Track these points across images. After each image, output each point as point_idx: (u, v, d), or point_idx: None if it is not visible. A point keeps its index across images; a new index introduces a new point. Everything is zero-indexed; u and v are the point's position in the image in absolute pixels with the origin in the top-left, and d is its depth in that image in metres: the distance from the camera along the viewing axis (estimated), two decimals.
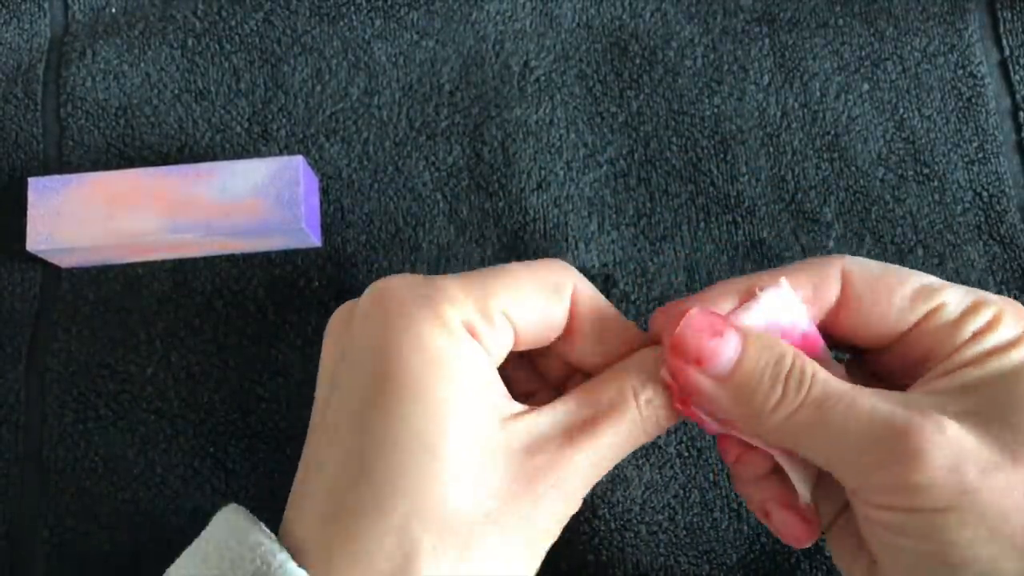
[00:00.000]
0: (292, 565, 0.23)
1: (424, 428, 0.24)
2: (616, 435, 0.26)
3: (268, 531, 0.25)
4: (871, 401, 0.24)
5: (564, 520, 0.26)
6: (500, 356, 0.27)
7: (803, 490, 0.26)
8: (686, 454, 0.37)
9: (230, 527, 0.25)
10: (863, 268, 0.27)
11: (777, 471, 0.27)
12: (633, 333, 0.28)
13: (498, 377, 0.26)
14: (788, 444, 0.25)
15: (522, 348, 0.28)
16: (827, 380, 0.24)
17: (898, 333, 0.26)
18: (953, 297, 0.26)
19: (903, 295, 0.26)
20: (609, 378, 0.27)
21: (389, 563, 0.23)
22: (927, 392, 0.25)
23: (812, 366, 0.25)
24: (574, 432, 0.26)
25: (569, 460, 0.25)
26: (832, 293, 0.27)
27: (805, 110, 0.41)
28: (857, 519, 0.25)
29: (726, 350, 0.25)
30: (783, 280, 0.26)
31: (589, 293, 0.28)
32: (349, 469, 0.24)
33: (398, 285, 0.26)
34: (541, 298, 0.27)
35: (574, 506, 0.26)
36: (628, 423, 0.26)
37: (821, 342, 0.27)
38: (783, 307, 0.26)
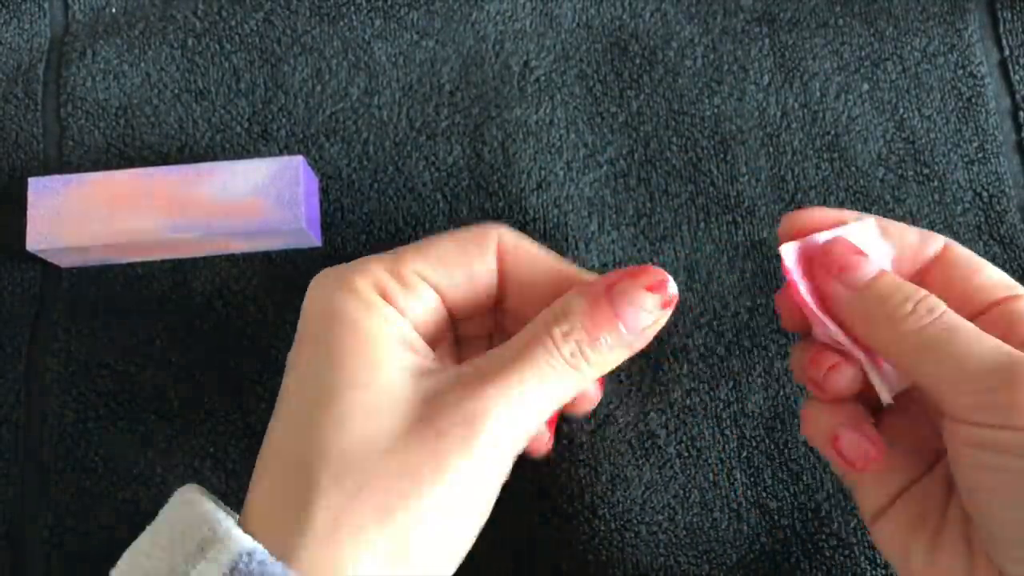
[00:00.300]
0: (238, 532, 0.24)
1: (324, 376, 0.26)
2: (531, 372, 0.26)
3: (219, 502, 0.26)
4: (990, 339, 0.25)
5: (489, 463, 0.26)
6: (421, 315, 0.28)
7: (885, 395, 0.28)
8: (686, 454, 0.37)
9: (183, 500, 0.26)
10: (963, 248, 0.30)
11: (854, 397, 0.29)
12: (567, 277, 0.29)
13: (418, 337, 0.28)
14: (908, 357, 0.27)
15: (458, 309, 0.29)
16: (956, 315, 0.26)
17: (979, 307, 0.28)
18: None
19: (989, 275, 0.29)
20: (529, 322, 0.27)
21: (295, 498, 0.25)
22: None
23: (942, 303, 0.27)
24: (486, 376, 0.26)
25: (477, 398, 0.25)
26: (933, 248, 0.30)
27: (805, 110, 0.41)
28: (954, 447, 0.26)
29: (866, 266, 0.28)
30: (872, 219, 0.30)
31: (521, 246, 0.29)
32: (271, 428, 0.27)
33: (327, 270, 0.28)
34: (459, 255, 0.28)
35: (495, 449, 0.26)
36: (543, 359, 0.26)
37: None
38: (868, 243, 0.29)
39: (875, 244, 0.29)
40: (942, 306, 0.26)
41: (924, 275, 0.30)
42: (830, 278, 0.28)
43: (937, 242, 0.30)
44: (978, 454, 0.25)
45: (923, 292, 0.27)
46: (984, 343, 0.25)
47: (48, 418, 0.38)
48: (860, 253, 0.28)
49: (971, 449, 0.25)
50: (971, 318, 0.27)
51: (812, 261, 0.29)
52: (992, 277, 0.29)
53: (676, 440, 0.37)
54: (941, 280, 0.29)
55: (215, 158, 0.41)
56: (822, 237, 0.29)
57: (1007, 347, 0.25)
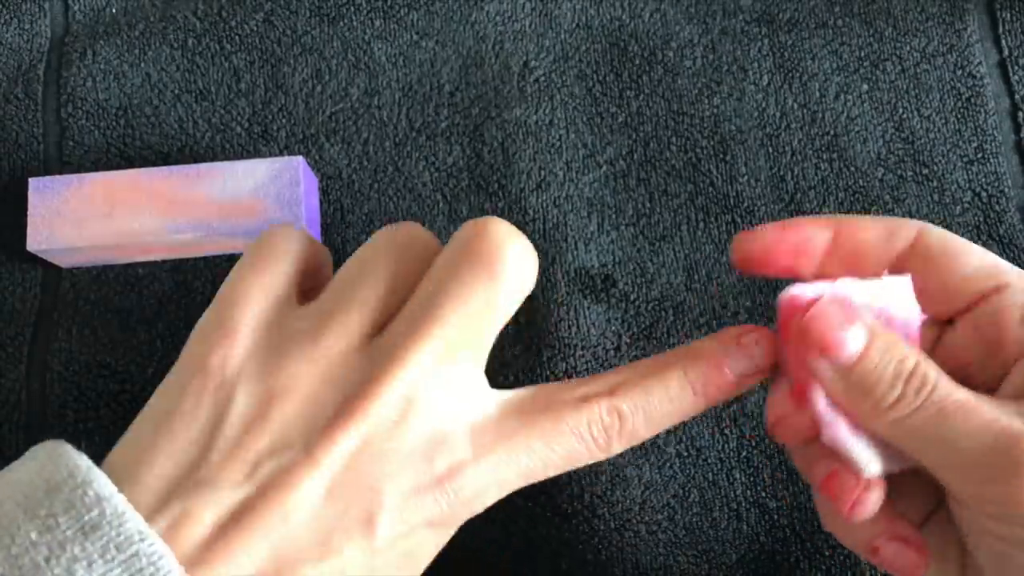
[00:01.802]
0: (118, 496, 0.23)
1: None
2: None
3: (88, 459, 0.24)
4: (990, 410, 0.23)
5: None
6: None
7: (873, 468, 0.26)
8: (685, 454, 0.37)
9: (47, 452, 0.24)
10: (940, 231, 0.27)
11: (884, 507, 0.26)
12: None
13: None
14: (902, 444, 0.25)
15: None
16: (948, 386, 0.24)
17: (964, 302, 0.26)
18: (1017, 279, 0.26)
19: (968, 264, 0.26)
20: None
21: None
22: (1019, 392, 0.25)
23: (935, 371, 0.24)
24: None
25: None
26: (904, 241, 0.27)
27: (804, 110, 0.41)
28: (962, 526, 0.25)
29: (851, 342, 0.25)
30: (909, 276, 0.26)
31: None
32: None
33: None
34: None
35: None
36: None
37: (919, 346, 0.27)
38: (900, 300, 0.26)
39: (901, 305, 0.26)
40: (932, 378, 0.24)
41: (899, 271, 0.27)
42: (810, 354, 0.25)
43: (908, 231, 0.27)
44: (986, 539, 0.24)
45: (911, 364, 0.24)
46: (978, 422, 0.23)
47: (49, 418, 0.38)
48: (843, 327, 0.25)
49: (978, 533, 0.24)
50: (955, 316, 0.26)
51: (797, 336, 0.25)
52: (971, 265, 0.26)
53: (676, 440, 0.37)
54: (919, 275, 0.26)
55: (215, 158, 0.41)
56: (810, 291, 0.26)
57: (1001, 423, 0.23)
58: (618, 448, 0.26)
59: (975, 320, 0.26)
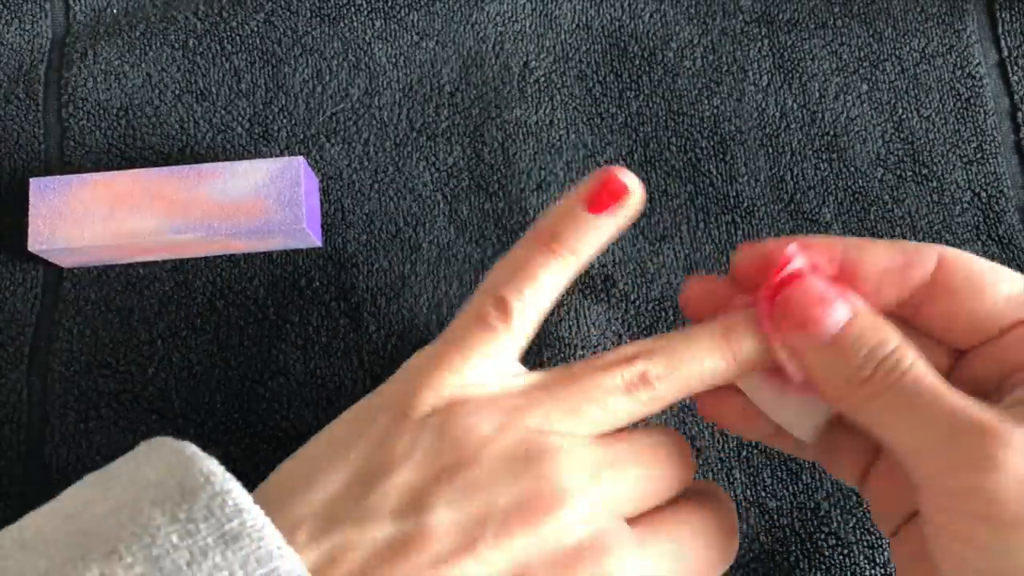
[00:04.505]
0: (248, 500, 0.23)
1: None
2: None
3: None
4: (957, 400, 0.23)
5: None
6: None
7: (803, 432, 0.26)
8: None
9: (172, 451, 0.24)
10: (963, 258, 0.25)
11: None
12: None
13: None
14: (867, 422, 0.25)
15: None
16: (922, 372, 0.24)
17: (987, 335, 0.25)
18: None
19: (998, 293, 0.25)
20: None
21: None
22: (1016, 401, 0.23)
23: (912, 355, 0.24)
24: None
25: None
26: (921, 272, 0.25)
27: (804, 111, 0.41)
28: (923, 523, 0.24)
29: (831, 321, 0.25)
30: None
31: None
32: None
33: None
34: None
35: None
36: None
37: None
38: None
39: None
40: (908, 362, 0.24)
41: (917, 305, 0.26)
42: (792, 329, 0.25)
43: (929, 259, 0.25)
44: (942, 537, 0.23)
45: (889, 348, 0.24)
46: (943, 409, 0.23)
47: (50, 418, 0.38)
48: (825, 301, 0.25)
49: (935, 529, 0.23)
50: (979, 344, 0.25)
51: (778, 307, 0.25)
52: (1000, 296, 0.25)
53: None
54: (940, 310, 0.25)
55: (216, 159, 0.41)
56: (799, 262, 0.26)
57: (972, 411, 0.22)
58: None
59: (1004, 346, 0.25)
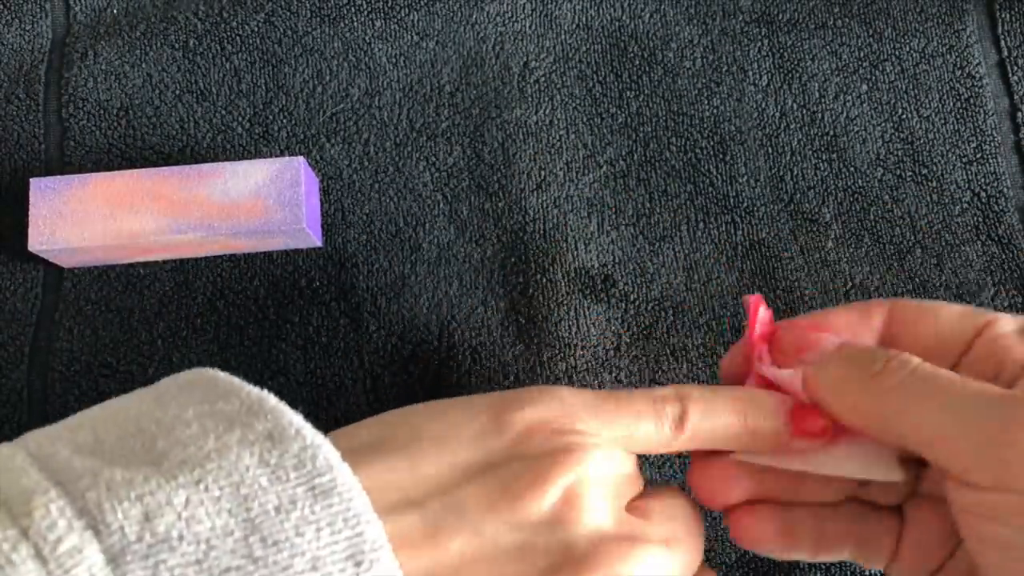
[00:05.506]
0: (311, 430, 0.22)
1: None
2: None
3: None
4: (973, 382, 0.24)
5: None
6: None
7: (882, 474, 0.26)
8: (686, 454, 0.37)
9: (252, 394, 0.23)
10: (906, 300, 0.28)
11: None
12: None
13: None
14: (889, 425, 0.25)
15: None
16: (931, 366, 0.25)
17: (955, 352, 0.26)
18: (1003, 316, 0.26)
19: (949, 313, 0.27)
20: None
21: None
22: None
23: (915, 357, 0.25)
24: None
25: None
26: (878, 315, 0.28)
27: (804, 111, 0.41)
28: (954, 512, 0.24)
29: (828, 342, 0.27)
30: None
31: None
32: None
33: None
34: None
35: None
36: None
37: None
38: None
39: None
40: (915, 359, 0.25)
41: (891, 338, 0.28)
42: (793, 361, 0.27)
43: (880, 306, 0.28)
44: (970, 518, 0.23)
45: (892, 350, 0.25)
46: (968, 388, 0.23)
47: (51, 418, 0.38)
48: (816, 337, 0.27)
49: (965, 514, 0.23)
50: (955, 365, 0.26)
51: (774, 347, 0.28)
52: (955, 310, 0.27)
53: None
54: (905, 342, 0.27)
55: (216, 159, 0.41)
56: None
57: (994, 390, 0.23)
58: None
59: (977, 359, 0.26)
